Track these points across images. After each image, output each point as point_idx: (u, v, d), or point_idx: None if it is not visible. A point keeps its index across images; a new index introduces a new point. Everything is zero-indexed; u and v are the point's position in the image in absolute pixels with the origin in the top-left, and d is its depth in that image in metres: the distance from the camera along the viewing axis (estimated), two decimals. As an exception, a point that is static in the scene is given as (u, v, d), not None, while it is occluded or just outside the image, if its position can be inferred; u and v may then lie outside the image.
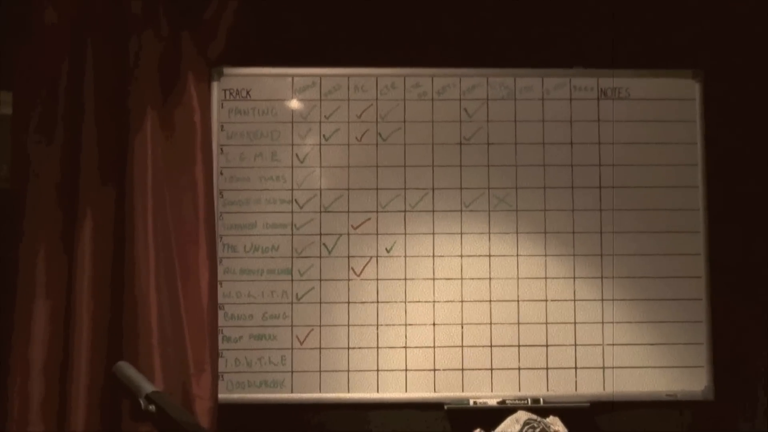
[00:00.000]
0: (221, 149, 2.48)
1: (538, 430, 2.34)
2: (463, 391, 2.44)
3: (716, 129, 2.53)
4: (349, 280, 2.45)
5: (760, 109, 2.55)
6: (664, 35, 2.56)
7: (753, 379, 2.51)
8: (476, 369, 2.45)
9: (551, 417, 2.37)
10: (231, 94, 2.50)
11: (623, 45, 2.55)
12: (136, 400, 1.51)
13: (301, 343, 2.44)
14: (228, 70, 2.50)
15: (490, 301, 2.46)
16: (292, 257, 2.45)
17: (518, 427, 2.35)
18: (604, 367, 2.46)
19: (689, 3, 2.55)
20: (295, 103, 2.51)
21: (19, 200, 2.31)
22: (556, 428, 2.36)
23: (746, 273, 2.52)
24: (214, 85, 2.48)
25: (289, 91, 2.50)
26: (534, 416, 2.35)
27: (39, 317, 2.26)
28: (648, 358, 2.46)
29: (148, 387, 1.53)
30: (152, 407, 1.49)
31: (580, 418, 2.43)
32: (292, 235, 2.46)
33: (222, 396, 2.39)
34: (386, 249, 2.47)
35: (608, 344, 2.46)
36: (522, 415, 2.36)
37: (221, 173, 2.48)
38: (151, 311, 2.28)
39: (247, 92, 2.50)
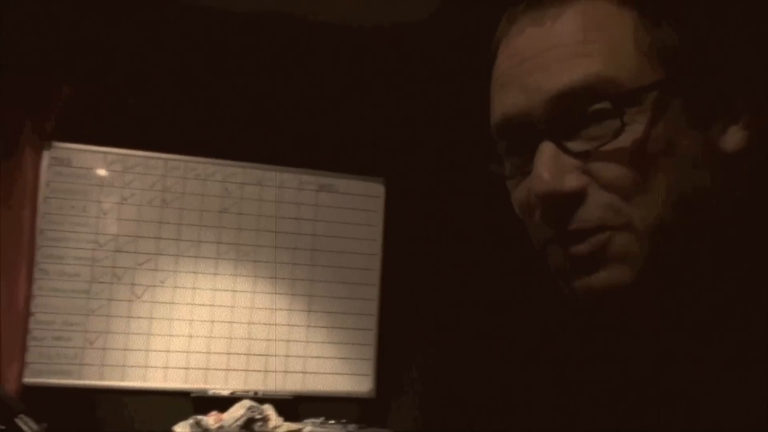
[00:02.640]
0: (45, 199, 3.49)
1: (256, 412, 3.49)
2: (206, 384, 3.56)
3: (393, 218, 3.90)
4: (131, 301, 3.53)
5: (426, 206, 3.97)
6: (359, 150, 3.92)
7: (406, 384, 3.85)
8: (217, 369, 3.58)
9: (266, 405, 3.46)
10: (57, 161, 3.51)
11: (333, 155, 3.87)
12: None
13: (91, 345, 3.47)
14: (56, 144, 3.50)
15: (231, 322, 3.63)
16: (90, 281, 3.49)
17: (243, 410, 3.47)
18: (304, 372, 3.69)
19: (380, 125, 3.93)
20: (104, 172, 3.58)
21: None
22: (269, 412, 3.47)
23: (407, 312, 3.87)
24: (45, 154, 3.48)
25: (102, 162, 3.55)
26: (255, 403, 3.43)
27: None
28: (334, 368, 3.73)
29: None
30: None
31: (287, 407, 3.54)
32: (92, 266, 3.50)
33: (27, 380, 3.33)
34: (161, 281, 3.58)
35: (308, 356, 3.72)
36: (246, 403, 3.41)
37: (44, 216, 3.48)
38: None
39: (69, 161, 3.53)
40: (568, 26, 0.71)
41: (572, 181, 0.70)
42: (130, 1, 3.39)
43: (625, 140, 0.68)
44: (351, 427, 3.42)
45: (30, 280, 3.39)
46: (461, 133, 3.48)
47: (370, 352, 3.75)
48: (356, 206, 3.81)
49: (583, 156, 0.70)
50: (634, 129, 0.68)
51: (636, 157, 0.69)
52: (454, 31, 3.38)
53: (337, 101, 3.80)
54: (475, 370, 3.36)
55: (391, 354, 3.78)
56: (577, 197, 0.70)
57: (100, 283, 3.47)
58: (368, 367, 3.74)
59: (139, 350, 3.47)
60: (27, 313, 3.39)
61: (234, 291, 3.60)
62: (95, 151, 3.54)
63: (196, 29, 3.61)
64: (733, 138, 0.70)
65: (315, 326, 3.70)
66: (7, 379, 3.31)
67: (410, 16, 3.52)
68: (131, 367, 3.45)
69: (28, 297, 3.39)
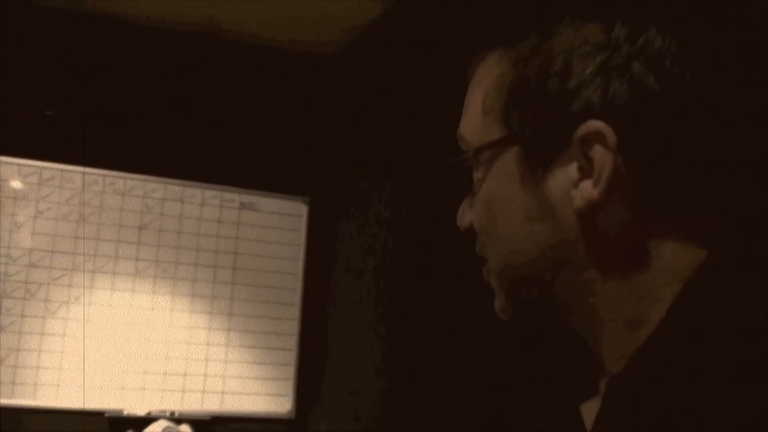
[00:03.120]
0: None
1: None
2: (122, 404, 3.50)
3: (316, 236, 3.95)
4: (44, 317, 3.46)
5: (349, 225, 4.01)
6: (282, 168, 3.96)
7: (325, 404, 3.87)
8: (132, 389, 3.51)
9: (183, 425, 3.49)
10: None
11: (256, 173, 3.90)
12: None
13: (2, 362, 3.39)
14: None
15: (148, 340, 3.58)
16: (1, 297, 3.42)
17: (159, 430, 3.48)
18: (223, 392, 3.66)
19: (304, 143, 3.98)
20: (18, 184, 3.51)
21: None
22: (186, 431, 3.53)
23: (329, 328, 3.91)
24: None
25: (16, 174, 3.48)
26: (171, 423, 3.44)
27: None
28: (254, 388, 3.72)
29: None
30: None
31: (204, 427, 3.45)
32: (4, 281, 3.41)
33: None
34: (75, 297, 3.52)
35: (227, 376, 3.70)
36: (162, 423, 3.40)
37: None
38: None
39: None
40: (474, 79, 0.83)
41: (464, 217, 0.84)
42: (42, 15, 3.37)
43: (478, 190, 0.80)
44: (269, 447, 3.43)
45: None
46: (386, 152, 3.55)
47: (290, 372, 3.75)
48: (279, 225, 3.83)
49: (472, 197, 0.83)
50: (483, 182, 0.79)
51: (483, 207, 0.79)
52: (378, 51, 3.46)
53: (261, 118, 3.83)
54: (395, 386, 3.40)
55: (311, 374, 3.79)
56: (473, 231, 0.83)
57: (12, 298, 3.40)
58: (288, 387, 3.75)
59: (52, 368, 3.40)
60: None
61: (152, 309, 3.58)
62: (9, 163, 3.48)
63: (117, 42, 3.60)
64: (580, 193, 0.72)
65: (234, 345, 3.68)
66: None
67: (332, 35, 3.59)
68: (44, 385, 3.38)
69: None
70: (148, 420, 3.44)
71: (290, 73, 3.87)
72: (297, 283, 3.84)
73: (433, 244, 3.26)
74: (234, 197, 3.79)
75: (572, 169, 0.71)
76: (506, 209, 0.75)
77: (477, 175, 0.78)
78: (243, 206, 3.81)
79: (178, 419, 3.50)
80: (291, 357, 3.79)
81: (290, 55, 3.85)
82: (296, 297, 3.82)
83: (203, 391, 3.62)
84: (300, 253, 3.84)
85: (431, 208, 3.28)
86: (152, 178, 3.67)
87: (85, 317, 3.50)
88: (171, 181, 3.70)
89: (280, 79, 3.86)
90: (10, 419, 3.36)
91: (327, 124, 3.89)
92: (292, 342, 3.80)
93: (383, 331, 3.46)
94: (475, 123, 0.78)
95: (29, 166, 3.52)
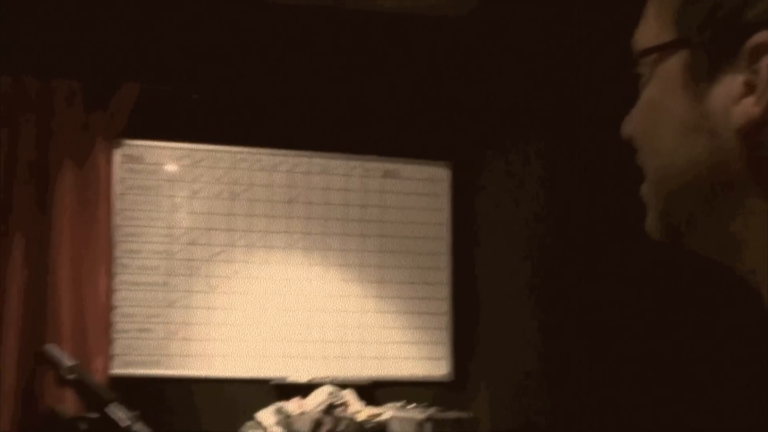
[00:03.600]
0: (119, 196, 3.56)
1: (337, 398, 3.47)
2: (285, 372, 3.58)
3: (461, 204, 3.89)
4: (208, 292, 3.60)
5: (494, 189, 3.99)
6: (423, 135, 3.93)
7: (482, 367, 3.87)
8: (294, 357, 3.60)
9: (346, 390, 3.45)
10: (128, 158, 3.59)
11: (398, 139, 3.87)
12: (59, 370, 1.80)
13: (173, 336, 3.54)
14: (127, 142, 3.58)
15: (305, 310, 3.65)
16: (168, 275, 3.57)
17: (324, 396, 3.45)
18: (380, 357, 3.69)
19: (444, 108, 3.96)
20: (174, 167, 3.65)
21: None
22: (350, 398, 3.48)
23: (483, 293, 3.90)
24: (117, 152, 3.58)
25: (171, 157, 3.63)
26: (335, 388, 3.47)
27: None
28: (410, 353, 3.74)
29: (69, 361, 1.77)
30: (72, 376, 1.73)
31: (366, 392, 3.55)
32: (169, 259, 3.58)
33: (114, 371, 3.39)
34: (234, 271, 3.63)
35: (383, 342, 3.73)
36: (327, 388, 3.45)
37: (119, 213, 3.54)
38: (63, 310, 3.36)
39: (140, 157, 3.61)
40: None
41: (626, 126, 0.77)
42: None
43: (641, 98, 0.75)
44: (431, 410, 3.43)
45: (111, 275, 3.49)
46: (525, 115, 3.51)
47: (445, 335, 3.76)
48: (422, 191, 3.84)
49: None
50: (645, 87, 0.75)
51: (641, 114, 0.75)
52: (515, 14, 3.42)
53: (400, 86, 3.85)
54: (552, 342, 3.37)
55: (466, 337, 3.80)
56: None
57: (178, 275, 3.55)
58: (444, 351, 3.77)
59: (218, 340, 3.54)
60: (110, 307, 3.49)
61: (306, 279, 3.66)
62: (164, 147, 3.63)
63: (260, 22, 3.71)
64: (741, 109, 0.66)
65: (388, 312, 3.73)
66: (95, 371, 3.40)
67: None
68: (212, 356, 3.53)
69: (110, 291, 3.49)
70: (312, 386, 3.51)
71: (424, 39, 3.89)
72: (444, 247, 3.85)
73: (590, 201, 3.21)
74: (377, 166, 3.83)
75: (737, 82, 0.66)
76: (663, 116, 0.72)
77: (642, 81, 0.75)
78: (386, 174, 3.84)
79: (340, 384, 3.55)
80: (445, 321, 3.80)
81: (423, 20, 3.86)
82: (445, 261, 3.83)
83: (362, 357, 3.68)
84: (445, 217, 3.85)
85: (586, 166, 3.23)
86: (297, 152, 3.76)
87: (246, 290, 3.61)
88: (315, 154, 3.77)
89: (415, 45, 3.88)
90: (182, 389, 3.52)
91: (463, 88, 3.88)
92: (445, 306, 3.81)
93: (537, 284, 3.44)
94: (648, 26, 0.75)
95: (182, 149, 3.67)
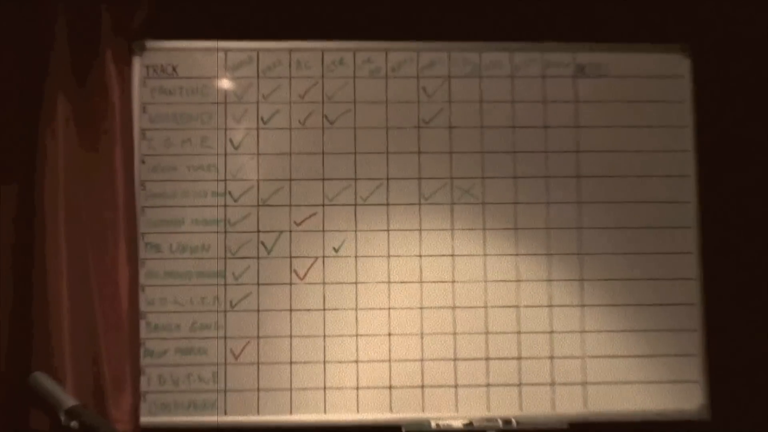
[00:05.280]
0: (143, 134, 2.36)
1: None
2: (423, 411, 2.32)
3: (710, 110, 2.41)
4: (291, 284, 2.33)
5: (758, 87, 2.40)
6: (648, 4, 2.42)
7: (754, 395, 2.34)
8: (438, 386, 2.32)
9: None
10: (155, 71, 2.38)
11: (602, 16, 2.45)
12: (55, 416, 1.49)
13: (236, 358, 2.30)
14: (151, 44, 2.38)
15: (454, 307, 2.34)
16: (225, 258, 2.33)
17: None
18: (585, 383, 2.34)
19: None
20: (228, 82, 2.39)
21: None
22: None
23: (745, 273, 2.38)
24: (136, 61, 2.38)
25: (222, 67, 2.39)
26: None
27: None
28: (634, 372, 2.35)
29: (69, 401, 1.52)
30: (75, 423, 1.45)
31: None
32: (225, 232, 2.34)
33: (144, 419, 2.27)
34: (334, 248, 2.34)
35: (589, 356, 2.35)
36: None
37: (143, 162, 2.36)
38: (62, 320, 2.15)
39: (173, 69, 2.39)
40: None
41: None
42: None
43: None
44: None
45: (134, 262, 2.29)
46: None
47: (695, 342, 2.37)
48: (643, 97, 2.41)
49: None
50: None
51: None
52: None
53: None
54: None
55: (731, 346, 2.42)
56: None
57: (240, 258, 2.33)
58: (693, 369, 2.37)
59: (310, 363, 2.32)
60: (136, 315, 2.28)
61: (453, 255, 2.37)
62: (209, 49, 2.39)
63: None
64: None
65: (599, 305, 2.37)
66: (119, 420, 2.23)
67: None
68: (301, 390, 2.30)
69: (135, 289, 2.28)
70: None
71: None
72: (690, 186, 2.34)
73: None
74: (568, 59, 2.46)
75: None
76: None
77: None
78: (580, 72, 2.47)
79: (516, 431, 2.23)
80: (694, 319, 2.34)
81: None
82: (691, 216, 2.38)
83: (552, 384, 2.36)
84: (687, 136, 2.41)
85: None
86: (430, 44, 2.41)
87: (353, 279, 2.34)
88: (459, 45, 2.42)
89: None
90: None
91: None
92: (692, 293, 2.32)
93: None
94: None
95: (239, 50, 2.41)
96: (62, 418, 1.56)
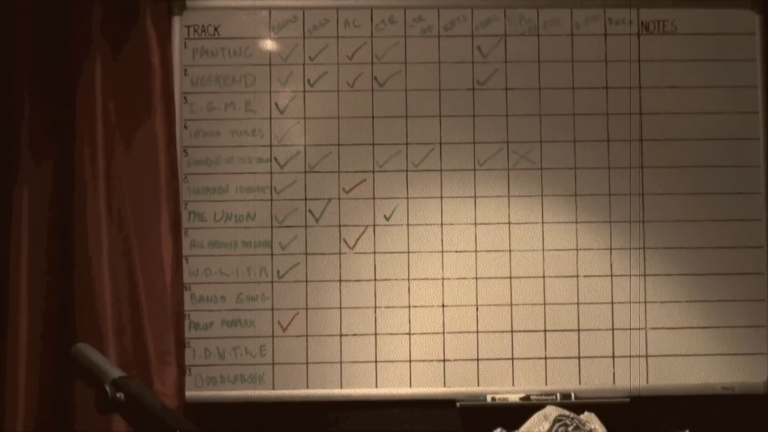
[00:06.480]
0: (185, 98, 2.35)
1: (571, 427, 2.22)
2: (478, 385, 2.33)
3: None
4: (340, 253, 2.34)
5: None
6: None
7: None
8: (494, 359, 2.33)
9: (586, 413, 2.27)
10: (196, 31, 2.35)
11: None
12: (101, 388, 1.36)
13: (284, 330, 2.30)
14: (192, 3, 2.36)
15: (510, 277, 2.33)
16: (271, 227, 2.32)
17: (547, 425, 2.24)
18: (647, 356, 2.32)
19: None
20: (272, 43, 2.36)
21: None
22: (592, 426, 2.24)
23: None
24: (176, 21, 2.34)
25: (266, 27, 2.37)
26: (566, 412, 2.23)
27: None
28: (699, 344, 2.33)
29: (114, 371, 1.38)
30: (120, 395, 1.33)
31: (620, 415, 2.32)
32: (272, 200, 2.33)
33: (189, 394, 2.28)
34: (385, 216, 2.34)
35: (652, 328, 2.32)
36: (551, 411, 2.25)
37: (185, 127, 2.34)
38: (105, 293, 2.14)
39: (215, 29, 2.36)
40: None
41: None
42: None
43: None
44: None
45: (177, 232, 2.27)
46: None
47: (763, 313, 2.32)
48: (711, 55, 2.36)
49: None
50: None
51: None
52: None
53: None
54: None
55: None
56: None
57: (287, 227, 2.31)
58: (761, 341, 2.32)
59: (359, 335, 2.32)
60: (180, 287, 2.27)
61: (509, 223, 2.34)
62: (252, 7, 2.36)
63: None
64: None
65: (662, 275, 2.34)
66: (163, 394, 2.21)
67: None
68: (352, 363, 2.31)
69: (179, 260, 2.26)
70: (526, 409, 2.26)
71: None
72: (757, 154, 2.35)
73: None
74: (628, 15, 2.37)
75: None
76: None
77: None
78: (646, 28, 2.42)
79: (575, 404, 2.26)
80: (763, 310, 2.33)
81: None
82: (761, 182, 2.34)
83: (613, 356, 2.34)
84: (756, 98, 2.34)
85: None
86: (485, 0, 2.36)
87: (406, 248, 2.33)
88: (515, 2, 2.37)
89: None
90: (305, 420, 2.35)
91: None
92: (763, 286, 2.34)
93: None
94: None
95: (285, 8, 2.37)
96: (108, 390, 1.48)
